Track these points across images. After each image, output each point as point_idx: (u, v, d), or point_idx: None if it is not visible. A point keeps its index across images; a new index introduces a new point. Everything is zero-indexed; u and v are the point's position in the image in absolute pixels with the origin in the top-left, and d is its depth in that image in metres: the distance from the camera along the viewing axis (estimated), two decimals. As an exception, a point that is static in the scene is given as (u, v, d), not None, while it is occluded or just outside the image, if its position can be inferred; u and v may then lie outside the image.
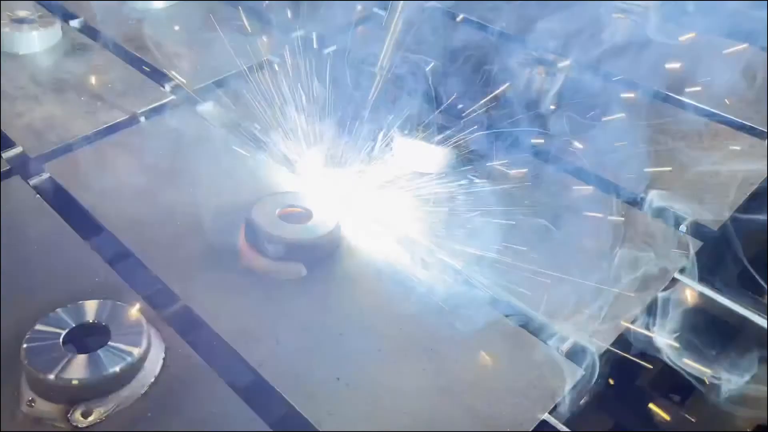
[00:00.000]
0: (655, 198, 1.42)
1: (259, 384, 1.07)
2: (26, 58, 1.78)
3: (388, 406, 1.05)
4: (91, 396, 1.00)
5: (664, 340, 1.17)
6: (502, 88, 1.54)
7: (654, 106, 1.69)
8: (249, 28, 1.89)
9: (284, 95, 1.57)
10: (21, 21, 1.82)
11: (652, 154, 1.50)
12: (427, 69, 1.55)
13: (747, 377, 1.13)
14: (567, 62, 1.69)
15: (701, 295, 1.27)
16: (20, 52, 1.78)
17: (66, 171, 1.43)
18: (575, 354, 1.14)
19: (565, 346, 1.14)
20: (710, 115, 1.67)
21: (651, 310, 1.22)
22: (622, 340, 1.18)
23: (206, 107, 1.65)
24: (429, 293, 1.21)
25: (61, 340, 1.04)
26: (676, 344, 1.16)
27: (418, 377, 1.09)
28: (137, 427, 1.00)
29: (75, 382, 0.99)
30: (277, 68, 1.71)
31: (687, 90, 1.71)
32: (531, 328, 1.17)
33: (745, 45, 1.79)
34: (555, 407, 1.06)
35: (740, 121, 1.66)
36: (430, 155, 1.47)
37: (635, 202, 1.43)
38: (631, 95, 1.68)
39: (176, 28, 1.91)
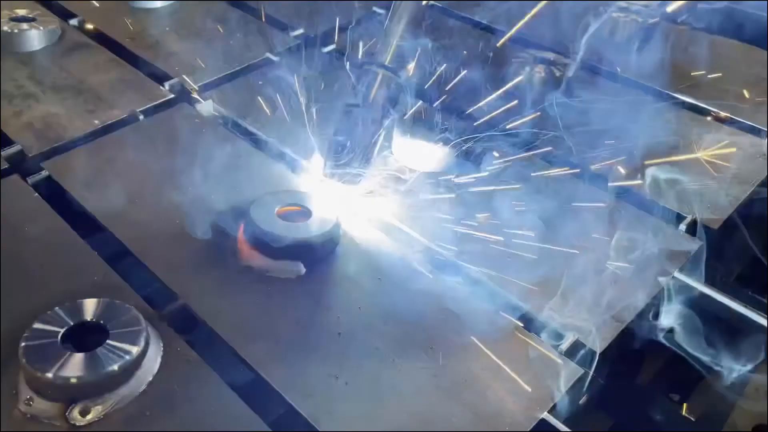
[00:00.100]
0: (654, 197, 1.42)
1: (257, 383, 1.07)
2: (25, 56, 1.77)
3: (387, 404, 1.05)
4: (89, 394, 1.00)
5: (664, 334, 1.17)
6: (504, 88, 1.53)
7: (654, 104, 1.68)
8: (248, 27, 1.89)
9: (283, 94, 1.57)
10: (20, 20, 1.82)
11: (652, 153, 1.50)
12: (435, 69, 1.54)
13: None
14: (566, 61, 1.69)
15: (701, 293, 1.27)
16: (19, 50, 1.78)
17: (65, 170, 1.43)
18: (575, 353, 1.14)
19: (565, 345, 1.14)
20: (710, 114, 1.67)
21: (651, 309, 1.22)
22: (622, 340, 1.18)
23: (205, 106, 1.65)
24: (428, 291, 1.20)
25: (59, 338, 1.04)
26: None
27: (417, 376, 1.08)
28: (135, 425, 1.00)
29: (73, 380, 0.99)
30: (276, 67, 1.71)
31: (686, 88, 1.71)
32: (530, 326, 1.17)
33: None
34: (554, 406, 1.06)
35: (740, 119, 1.66)
36: (430, 154, 1.47)
37: (634, 201, 1.42)
38: (630, 94, 1.68)
39: (175, 26, 1.91)
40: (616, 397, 1.25)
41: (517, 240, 1.28)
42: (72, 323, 1.06)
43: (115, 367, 1.01)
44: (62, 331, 1.05)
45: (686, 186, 1.43)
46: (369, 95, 1.34)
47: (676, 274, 1.28)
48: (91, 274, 1.20)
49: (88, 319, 1.07)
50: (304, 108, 1.50)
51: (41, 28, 1.81)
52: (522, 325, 1.17)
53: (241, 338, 1.12)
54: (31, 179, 1.40)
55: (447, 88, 1.55)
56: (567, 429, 1.04)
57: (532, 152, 1.48)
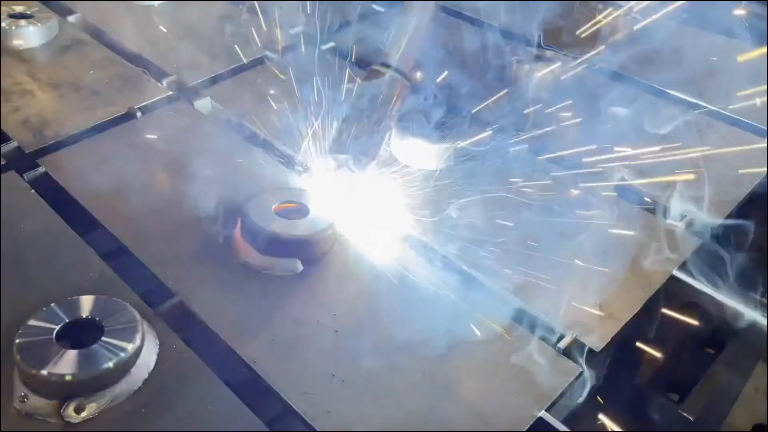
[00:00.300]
0: (653, 195, 1.42)
1: (253, 381, 1.06)
2: (23, 53, 1.77)
3: (384, 404, 1.04)
4: (84, 392, 1.00)
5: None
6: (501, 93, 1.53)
7: (653, 102, 1.68)
8: (247, 24, 1.88)
9: (282, 92, 1.56)
10: (18, 16, 1.82)
11: (651, 151, 1.49)
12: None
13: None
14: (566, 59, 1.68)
15: (699, 292, 1.26)
16: (17, 47, 1.78)
17: (61, 166, 1.43)
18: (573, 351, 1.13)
19: (563, 343, 1.13)
20: (710, 113, 1.67)
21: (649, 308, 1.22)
22: (621, 339, 1.17)
23: (203, 103, 1.64)
24: (426, 290, 1.20)
25: (54, 335, 1.03)
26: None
27: (414, 374, 1.08)
28: (130, 423, 0.99)
29: (68, 377, 0.98)
30: (275, 65, 1.70)
31: (686, 87, 1.70)
32: (529, 325, 1.16)
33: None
34: (552, 405, 1.06)
35: (740, 118, 1.65)
36: (429, 152, 1.46)
37: (633, 200, 1.42)
38: (630, 92, 1.68)
39: (173, 23, 1.90)
40: (615, 397, 1.25)
41: (512, 237, 1.28)
42: (67, 320, 1.06)
43: (111, 364, 1.00)
44: (57, 327, 1.04)
45: (685, 184, 1.42)
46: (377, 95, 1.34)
47: (676, 273, 1.27)
48: (87, 271, 1.20)
49: (84, 316, 1.07)
50: (303, 106, 1.50)
51: (39, 24, 1.81)
52: (520, 323, 1.16)
53: (238, 336, 1.11)
54: (27, 176, 1.40)
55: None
56: (566, 429, 1.03)
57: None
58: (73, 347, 1.02)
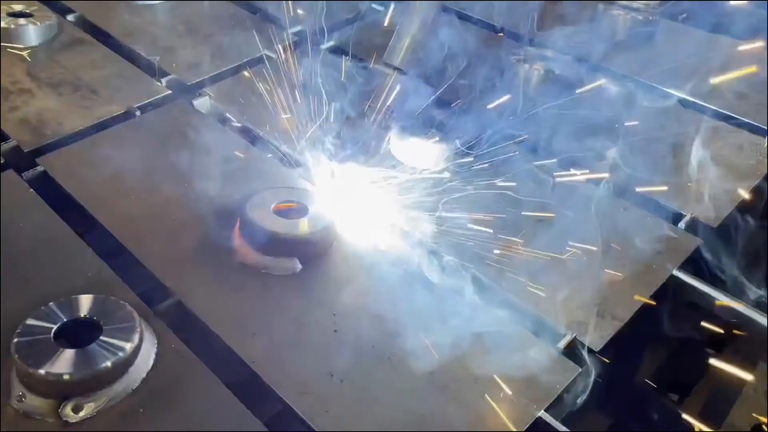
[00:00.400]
0: (653, 194, 1.42)
1: (252, 380, 1.06)
2: (22, 52, 1.76)
3: (383, 403, 1.04)
4: (82, 391, 0.99)
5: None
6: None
7: (652, 101, 1.68)
8: (246, 23, 1.88)
9: (281, 90, 1.56)
10: (17, 15, 1.81)
11: (651, 150, 1.49)
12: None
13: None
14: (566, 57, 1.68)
15: (699, 292, 1.26)
16: (16, 46, 1.77)
17: (60, 165, 1.42)
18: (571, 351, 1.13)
19: (562, 343, 1.13)
20: (709, 112, 1.66)
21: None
22: (620, 339, 1.17)
23: (202, 102, 1.64)
24: (424, 289, 1.19)
25: (52, 334, 1.03)
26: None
27: (413, 374, 1.07)
28: (128, 422, 0.99)
29: (66, 377, 0.98)
30: (273, 63, 1.70)
31: (686, 86, 1.70)
32: (527, 324, 1.16)
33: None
34: (551, 405, 1.05)
35: (740, 117, 1.65)
36: (428, 151, 1.46)
37: (635, 199, 1.42)
38: (629, 91, 1.67)
39: (173, 22, 1.90)
40: (614, 397, 1.25)
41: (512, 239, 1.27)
42: (65, 319, 1.05)
43: (108, 363, 1.00)
44: (55, 327, 1.04)
45: (685, 184, 1.42)
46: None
47: (676, 272, 1.27)
48: (85, 270, 1.19)
49: (82, 315, 1.06)
50: (302, 104, 1.49)
51: (38, 23, 1.80)
52: (518, 322, 1.16)
53: (236, 335, 1.11)
54: (26, 175, 1.39)
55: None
56: (564, 428, 1.03)
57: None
58: (71, 347, 1.02)
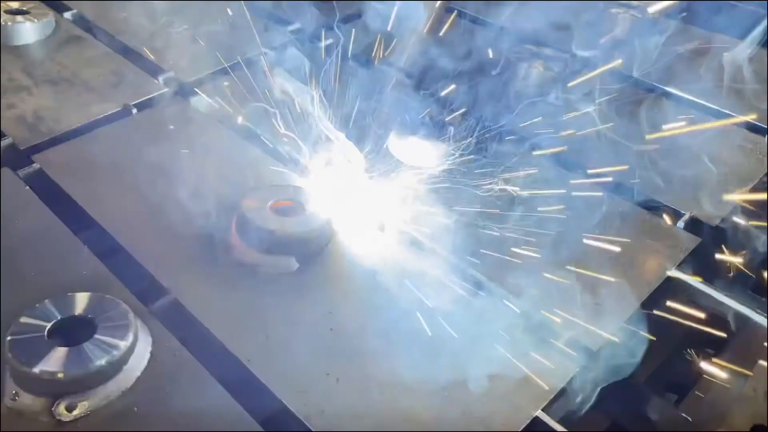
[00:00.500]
0: (652, 193, 1.41)
1: (248, 379, 1.05)
2: (19, 49, 1.76)
3: (380, 403, 1.03)
4: (76, 390, 0.99)
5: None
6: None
7: (653, 101, 1.67)
8: (244, 21, 1.87)
9: (279, 89, 1.55)
10: (14, 12, 1.81)
11: (651, 149, 1.48)
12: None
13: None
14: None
15: (698, 291, 1.25)
16: (13, 43, 1.76)
17: (56, 163, 1.42)
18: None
19: (562, 341, 1.12)
20: (709, 111, 1.66)
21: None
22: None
23: (200, 100, 1.63)
24: (421, 289, 1.19)
25: (46, 332, 1.02)
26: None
27: (410, 373, 1.07)
28: (123, 421, 0.98)
29: (59, 375, 0.97)
30: (272, 62, 1.69)
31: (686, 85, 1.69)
32: (525, 323, 1.15)
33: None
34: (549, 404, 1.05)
35: (739, 116, 1.64)
36: (426, 150, 1.45)
37: (632, 198, 1.41)
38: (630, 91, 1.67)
39: (170, 19, 1.89)
40: (612, 397, 1.24)
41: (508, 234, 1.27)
42: (59, 317, 1.05)
43: (103, 361, 0.99)
44: (49, 325, 1.03)
45: (685, 183, 1.42)
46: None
47: (675, 272, 1.26)
48: (80, 268, 1.18)
49: (76, 313, 1.06)
50: (300, 103, 1.49)
51: (36, 20, 1.80)
52: (516, 321, 1.15)
53: (232, 334, 1.10)
54: (21, 172, 1.38)
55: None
56: (562, 428, 1.02)
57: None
58: (65, 345, 1.01)
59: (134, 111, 1.57)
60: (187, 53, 1.75)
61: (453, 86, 1.54)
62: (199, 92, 1.63)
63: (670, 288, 1.26)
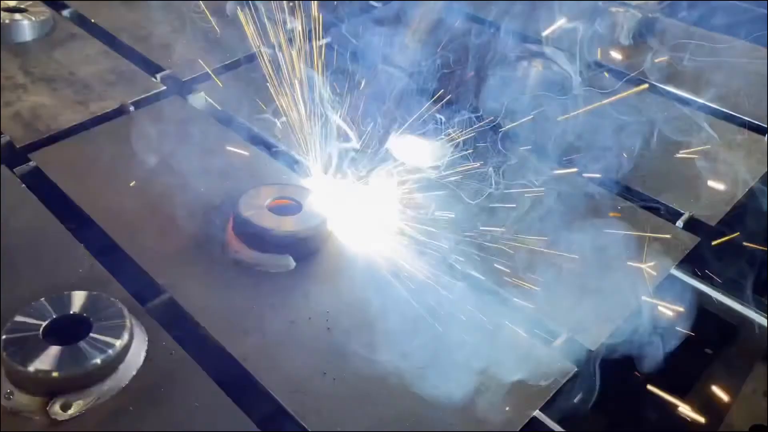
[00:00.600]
0: (652, 193, 1.40)
1: (244, 379, 1.05)
2: (16, 47, 1.75)
3: (376, 403, 1.03)
4: (71, 389, 0.98)
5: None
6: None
7: (653, 100, 1.66)
8: (243, 20, 1.86)
9: (278, 87, 1.54)
10: (12, 10, 1.80)
11: (651, 149, 1.48)
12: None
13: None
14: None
15: (698, 291, 1.25)
16: (10, 41, 1.76)
17: (52, 161, 1.41)
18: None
19: (558, 342, 1.11)
20: (709, 111, 1.65)
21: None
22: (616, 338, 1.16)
23: (197, 98, 1.62)
24: (419, 288, 1.18)
25: (41, 331, 1.01)
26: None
27: (407, 373, 1.06)
28: (118, 420, 0.97)
29: (54, 374, 0.97)
30: (270, 60, 1.68)
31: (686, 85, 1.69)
32: (523, 323, 1.15)
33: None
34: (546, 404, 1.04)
35: (740, 116, 1.63)
36: (425, 149, 1.45)
37: (631, 198, 1.40)
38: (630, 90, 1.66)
39: (168, 17, 1.89)
40: (612, 397, 1.23)
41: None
42: (55, 316, 1.04)
43: (98, 360, 0.99)
44: (44, 323, 1.02)
45: (684, 182, 1.41)
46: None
47: (675, 272, 1.26)
48: (76, 267, 1.18)
49: (72, 312, 1.05)
50: (298, 102, 1.48)
51: (33, 18, 1.79)
52: (513, 321, 1.14)
53: (228, 333, 1.10)
54: (18, 170, 1.38)
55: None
56: (560, 429, 1.02)
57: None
58: (60, 344, 1.00)
59: (132, 109, 1.56)
60: (185, 51, 1.74)
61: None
62: (197, 90, 1.63)
63: (669, 287, 1.25)
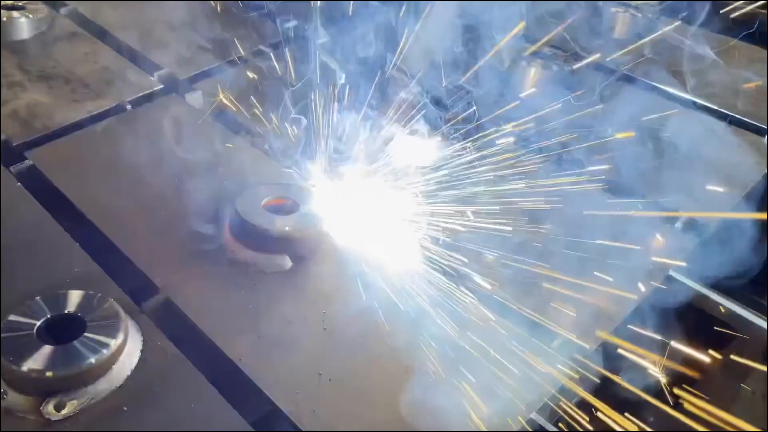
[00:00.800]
0: (652, 194, 1.40)
1: (239, 379, 1.04)
2: (14, 45, 1.74)
3: (371, 403, 1.02)
4: (65, 388, 0.97)
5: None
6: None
7: (653, 100, 1.66)
8: (240, 18, 1.86)
9: (275, 86, 1.54)
10: (10, 8, 1.80)
11: (651, 149, 1.47)
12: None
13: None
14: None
15: (697, 293, 1.24)
16: (8, 39, 1.75)
17: (49, 159, 1.40)
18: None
19: (556, 343, 1.11)
20: (710, 111, 1.64)
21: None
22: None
23: (195, 96, 1.62)
24: (416, 288, 1.17)
25: (35, 330, 1.01)
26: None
27: (403, 374, 1.05)
28: (112, 421, 0.97)
29: (48, 373, 0.96)
30: (268, 59, 1.68)
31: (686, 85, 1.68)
32: (521, 323, 1.14)
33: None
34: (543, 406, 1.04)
35: (739, 117, 1.63)
36: (424, 148, 1.44)
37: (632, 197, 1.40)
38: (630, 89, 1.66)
39: (166, 16, 1.88)
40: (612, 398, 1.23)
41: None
42: (49, 315, 1.03)
43: (92, 360, 0.98)
44: (38, 323, 1.02)
45: (684, 182, 1.41)
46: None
47: (674, 273, 1.25)
48: (72, 266, 1.17)
49: (66, 312, 1.05)
50: (296, 101, 1.47)
51: (31, 16, 1.79)
52: (512, 321, 1.14)
53: (224, 333, 1.09)
54: (14, 168, 1.37)
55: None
56: (554, 429, 1.01)
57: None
58: (54, 343, 1.00)
59: (129, 107, 1.56)
60: (183, 49, 1.74)
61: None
62: (194, 89, 1.62)
63: (669, 289, 1.24)
